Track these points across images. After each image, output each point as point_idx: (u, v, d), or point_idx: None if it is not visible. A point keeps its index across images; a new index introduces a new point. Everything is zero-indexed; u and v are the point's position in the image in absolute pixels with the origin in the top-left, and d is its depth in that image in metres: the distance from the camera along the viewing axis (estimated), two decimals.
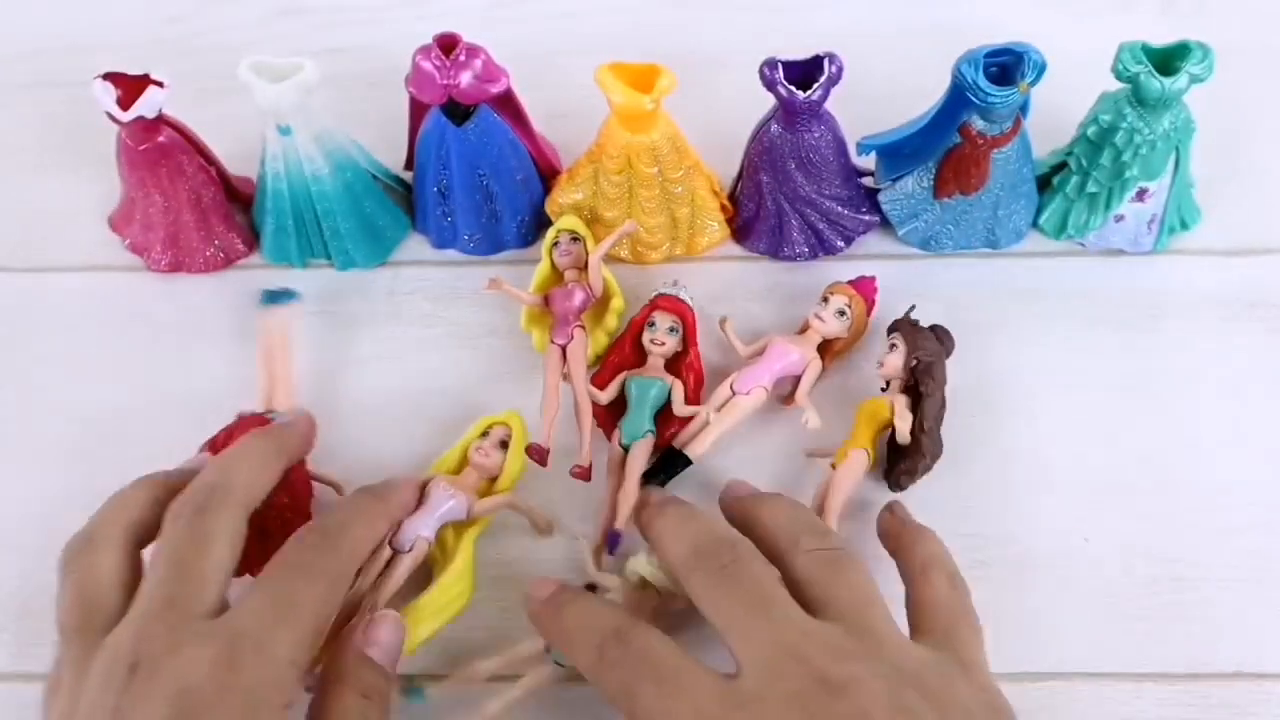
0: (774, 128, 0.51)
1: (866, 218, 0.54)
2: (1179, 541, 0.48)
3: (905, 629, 0.40)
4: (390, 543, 0.45)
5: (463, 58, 0.49)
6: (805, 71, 0.48)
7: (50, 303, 0.56)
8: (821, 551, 0.40)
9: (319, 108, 0.51)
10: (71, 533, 0.41)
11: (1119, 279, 0.54)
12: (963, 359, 0.51)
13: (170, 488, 0.41)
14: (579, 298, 0.51)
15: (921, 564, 0.41)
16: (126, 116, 0.49)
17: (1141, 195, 0.52)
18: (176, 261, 0.55)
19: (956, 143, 0.50)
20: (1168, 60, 0.48)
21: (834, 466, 0.47)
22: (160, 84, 0.49)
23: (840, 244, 0.55)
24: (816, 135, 0.50)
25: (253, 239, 0.56)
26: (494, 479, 0.48)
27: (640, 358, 0.51)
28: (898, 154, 0.53)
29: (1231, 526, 0.48)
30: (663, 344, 0.50)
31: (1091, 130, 0.51)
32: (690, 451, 0.49)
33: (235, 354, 0.54)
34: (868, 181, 0.55)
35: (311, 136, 0.51)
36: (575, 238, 0.52)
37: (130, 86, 0.49)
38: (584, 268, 0.52)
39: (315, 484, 0.48)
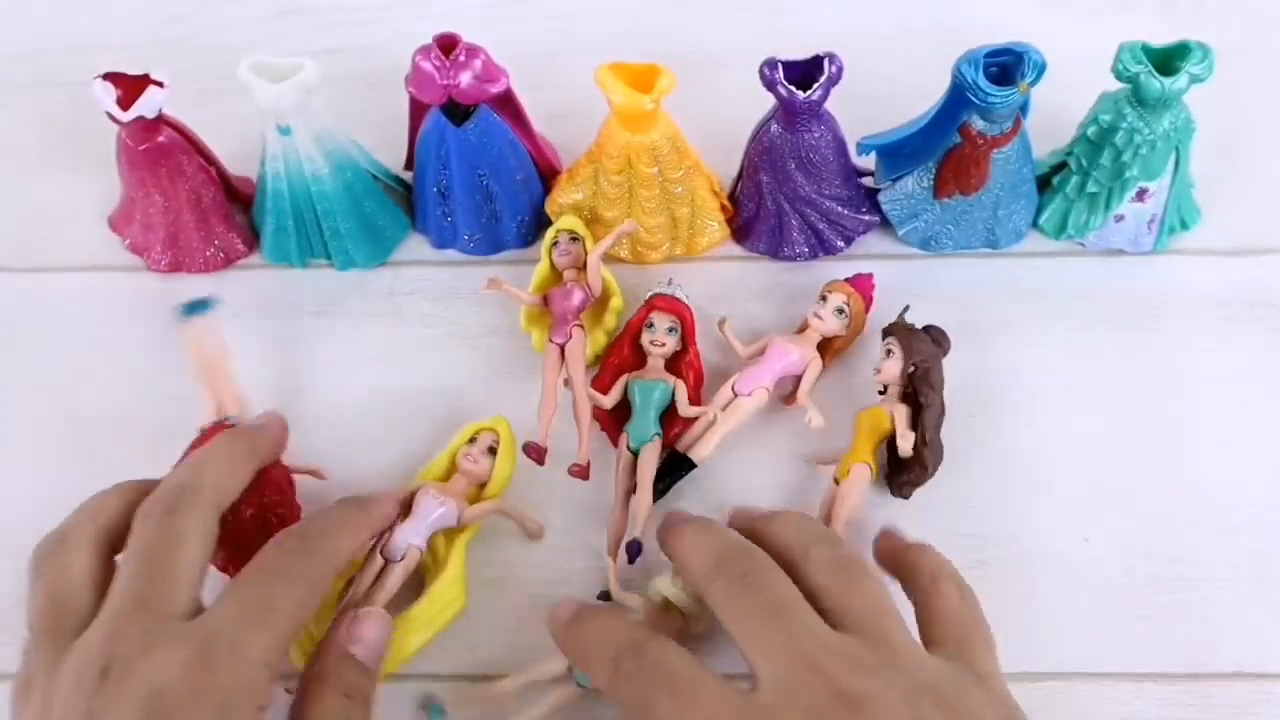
0: (774, 128, 0.51)
1: (866, 218, 0.54)
2: (1179, 541, 0.48)
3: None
4: (382, 552, 0.45)
5: (463, 58, 0.49)
6: (805, 71, 0.48)
7: (50, 303, 0.56)
8: (834, 560, 0.40)
9: (319, 108, 0.51)
10: None
11: (1119, 279, 0.54)
12: (963, 359, 0.51)
13: (144, 492, 0.41)
14: (578, 297, 0.51)
15: (930, 576, 0.41)
16: (126, 116, 0.49)
17: (1141, 195, 0.52)
18: (176, 261, 0.55)
19: (956, 143, 0.50)
20: (1168, 60, 0.48)
21: (837, 481, 0.47)
22: (160, 84, 0.49)
23: (840, 244, 0.55)
24: (816, 135, 0.50)
25: (253, 239, 0.56)
26: (483, 485, 0.48)
27: (639, 359, 0.51)
28: (898, 154, 0.53)
29: (1231, 526, 0.48)
30: (662, 345, 0.50)
31: (1091, 130, 0.51)
32: (694, 454, 0.49)
33: (235, 354, 0.54)
34: (868, 181, 0.55)
35: (311, 136, 0.51)
36: (575, 238, 0.52)
37: (130, 86, 0.49)
38: (583, 267, 0.52)
39: (307, 482, 0.48)
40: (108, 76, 0.49)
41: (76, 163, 0.59)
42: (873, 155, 0.54)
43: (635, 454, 0.48)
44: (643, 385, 0.49)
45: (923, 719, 0.34)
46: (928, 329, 0.49)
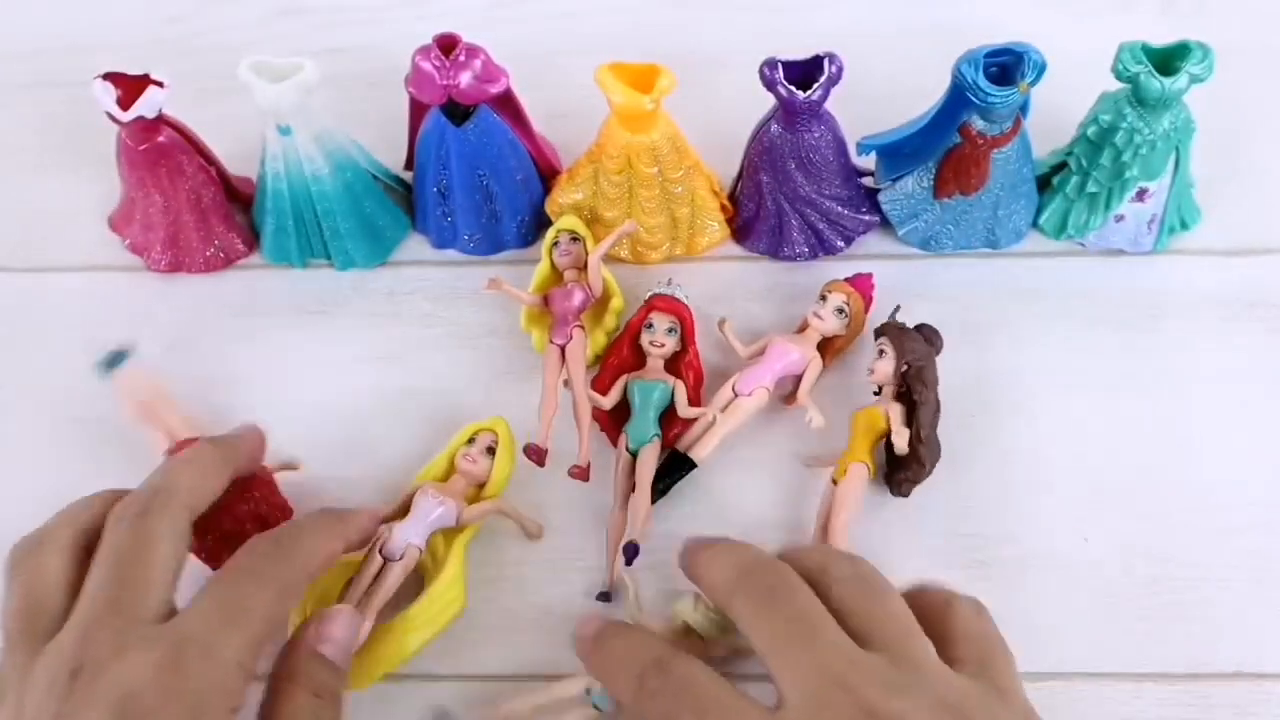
0: (774, 128, 0.51)
1: (866, 218, 0.54)
2: (1179, 541, 0.48)
3: None
4: (381, 551, 0.45)
5: (462, 58, 0.49)
6: (805, 71, 0.48)
7: (50, 303, 0.56)
8: (858, 578, 0.39)
9: (319, 108, 0.51)
10: None
11: (1119, 279, 0.54)
12: (963, 359, 0.51)
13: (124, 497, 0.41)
14: (578, 298, 0.51)
15: (944, 599, 0.40)
16: (126, 116, 0.49)
17: (1141, 195, 0.52)
18: (176, 261, 0.55)
19: (956, 143, 0.50)
20: (1168, 60, 0.48)
21: (835, 482, 0.47)
22: (160, 84, 0.49)
23: (840, 244, 0.55)
24: (816, 135, 0.50)
25: (253, 239, 0.56)
26: (482, 485, 0.48)
27: (639, 359, 0.50)
28: (898, 154, 0.53)
29: (1231, 526, 0.48)
30: (662, 345, 0.50)
31: (1091, 130, 0.51)
32: (694, 455, 0.49)
33: (235, 354, 0.54)
34: (868, 181, 0.55)
35: (311, 136, 0.51)
36: (575, 238, 0.52)
37: (130, 86, 0.49)
38: (583, 268, 0.52)
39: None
40: (108, 76, 0.49)
41: (76, 163, 0.59)
42: (873, 155, 0.54)
43: (634, 455, 0.48)
44: (642, 386, 0.49)
45: None
46: (919, 327, 0.49)
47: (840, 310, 0.51)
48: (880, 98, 0.53)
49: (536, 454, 0.47)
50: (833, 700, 0.35)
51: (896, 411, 0.47)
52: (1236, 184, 0.56)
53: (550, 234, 0.52)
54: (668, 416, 0.49)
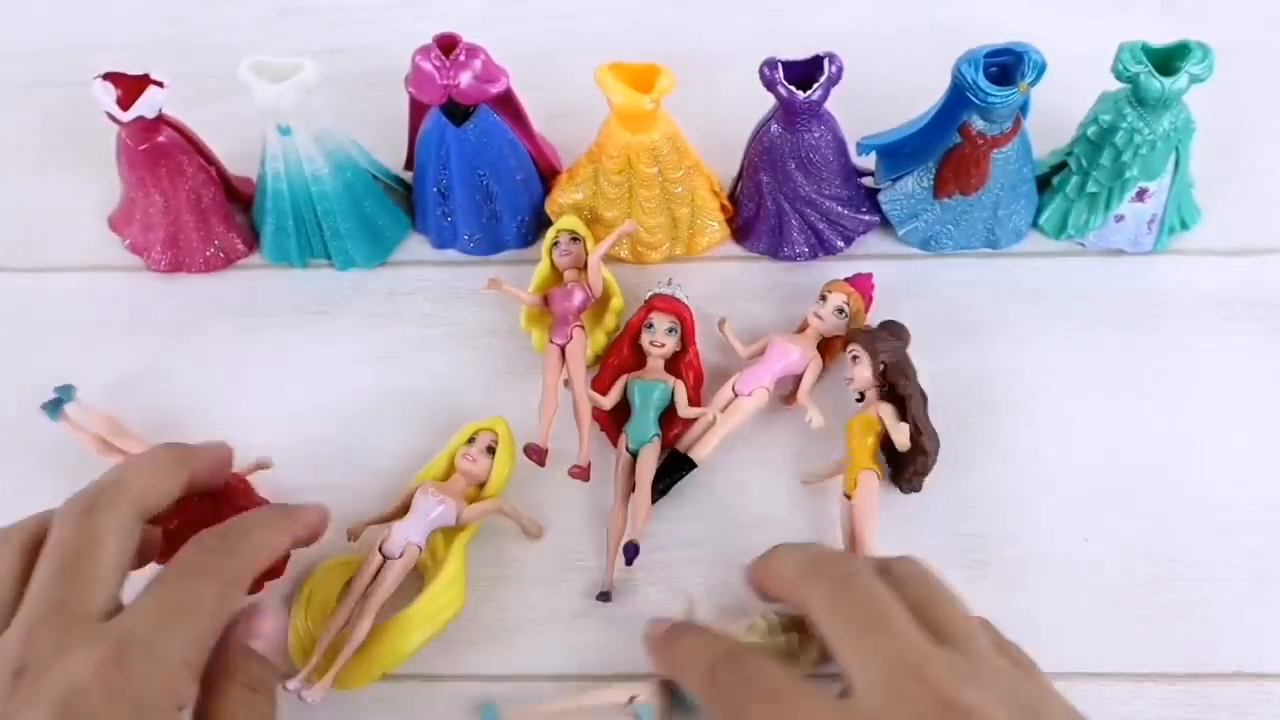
0: (774, 128, 0.51)
1: (866, 218, 0.54)
2: (1179, 541, 0.48)
3: None
4: (380, 549, 0.45)
5: (462, 58, 0.49)
6: (805, 71, 0.48)
7: (50, 303, 0.56)
8: (921, 576, 0.39)
9: (319, 108, 0.51)
10: None
11: (1119, 279, 0.54)
12: (963, 359, 0.51)
13: None
14: (578, 298, 0.51)
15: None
16: (126, 116, 0.49)
17: (1141, 195, 0.52)
18: (176, 261, 0.55)
19: (956, 143, 0.50)
20: (1168, 60, 0.48)
21: (848, 496, 0.47)
22: (160, 84, 0.49)
23: (840, 244, 0.55)
24: (816, 135, 0.50)
25: (253, 239, 0.56)
26: (482, 485, 0.48)
27: (639, 359, 0.50)
28: (898, 154, 0.53)
29: (1231, 526, 0.48)
30: (662, 345, 0.50)
31: (1091, 130, 0.51)
32: (694, 454, 0.49)
33: (235, 354, 0.54)
34: (868, 181, 0.55)
35: (311, 136, 0.51)
36: (575, 238, 0.52)
37: (130, 86, 0.49)
38: (584, 268, 0.52)
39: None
40: (108, 76, 0.49)
41: (76, 163, 0.59)
42: (873, 155, 0.54)
43: (634, 455, 0.48)
44: (642, 386, 0.49)
45: None
46: (883, 325, 0.49)
47: (840, 310, 0.51)
48: (880, 98, 0.53)
49: (537, 454, 0.47)
50: (907, 690, 0.35)
51: (888, 411, 0.47)
52: (1236, 184, 0.56)
53: (550, 234, 0.52)
54: (668, 416, 0.49)
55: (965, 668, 0.36)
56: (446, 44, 0.49)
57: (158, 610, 0.37)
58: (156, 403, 0.52)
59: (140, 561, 0.41)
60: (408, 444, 0.51)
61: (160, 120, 0.50)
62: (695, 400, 0.50)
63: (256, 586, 0.46)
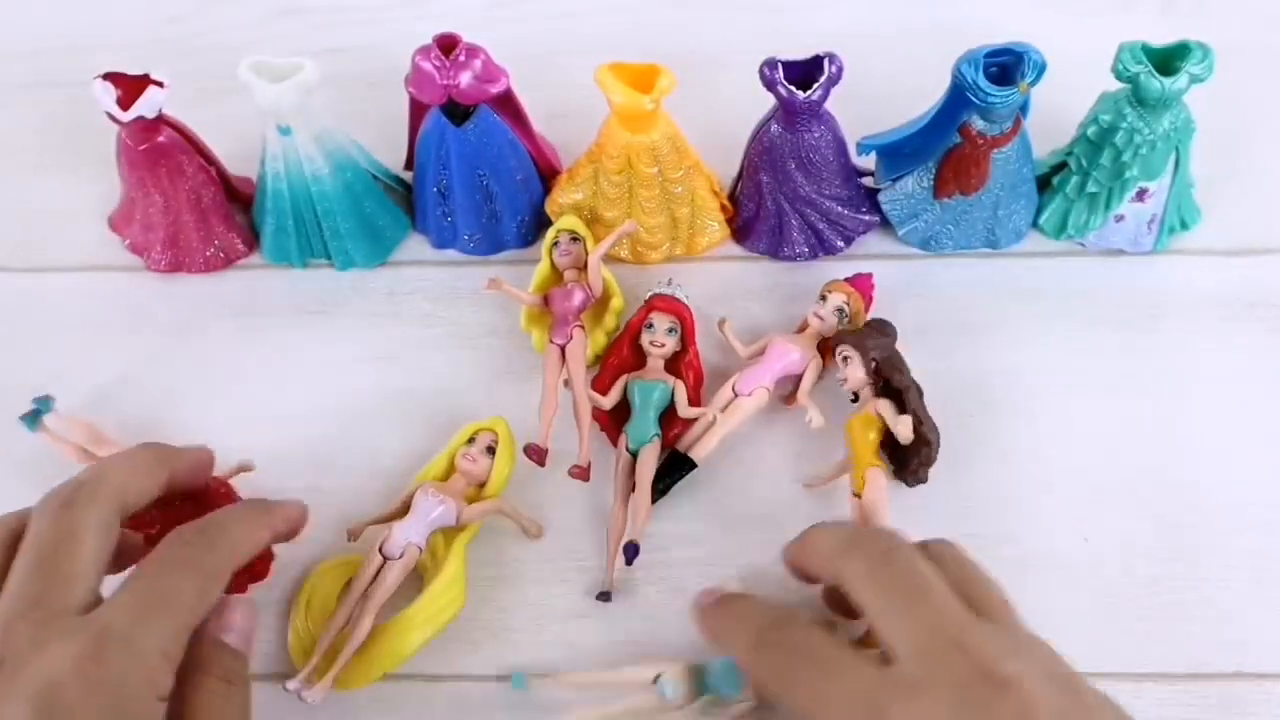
0: (774, 128, 0.51)
1: (866, 218, 0.54)
2: (1179, 541, 0.48)
3: None
4: (380, 549, 0.45)
5: (462, 58, 0.49)
6: (805, 71, 0.48)
7: (50, 303, 0.56)
8: (958, 556, 0.40)
9: (319, 108, 0.51)
10: None
11: (1119, 279, 0.54)
12: (963, 359, 0.51)
13: None
14: (578, 298, 0.51)
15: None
16: (126, 116, 0.49)
17: (1141, 195, 0.52)
18: (176, 261, 0.55)
19: (956, 143, 0.50)
20: (1168, 60, 0.48)
21: (857, 495, 0.47)
22: (160, 84, 0.49)
23: (840, 244, 0.55)
24: (816, 135, 0.50)
25: (253, 239, 0.56)
26: (482, 485, 0.48)
27: (639, 359, 0.50)
28: (898, 154, 0.53)
29: (1231, 526, 0.48)
30: (662, 345, 0.50)
31: (1091, 130, 0.51)
32: (694, 454, 0.49)
33: (235, 354, 0.54)
34: (868, 181, 0.55)
35: (311, 136, 0.51)
36: (575, 238, 0.52)
37: (130, 86, 0.49)
38: (584, 268, 0.52)
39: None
40: (108, 76, 0.49)
41: (76, 163, 0.59)
42: (873, 155, 0.54)
43: (634, 455, 0.48)
44: (642, 386, 0.49)
45: (1063, 707, 0.35)
46: (869, 324, 0.49)
47: (840, 310, 0.51)
48: (880, 98, 0.53)
49: (537, 454, 0.47)
50: (948, 658, 0.35)
51: (886, 406, 0.47)
52: (1236, 184, 0.56)
53: (550, 234, 0.52)
54: (668, 416, 0.49)
55: (1005, 640, 0.36)
56: (446, 44, 0.49)
57: (136, 604, 0.37)
58: (156, 403, 0.52)
59: (120, 566, 0.41)
60: (408, 444, 0.51)
61: (160, 120, 0.50)
62: (695, 400, 0.50)
63: (241, 588, 0.46)
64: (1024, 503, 0.49)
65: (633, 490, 0.48)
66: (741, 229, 0.55)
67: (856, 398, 0.49)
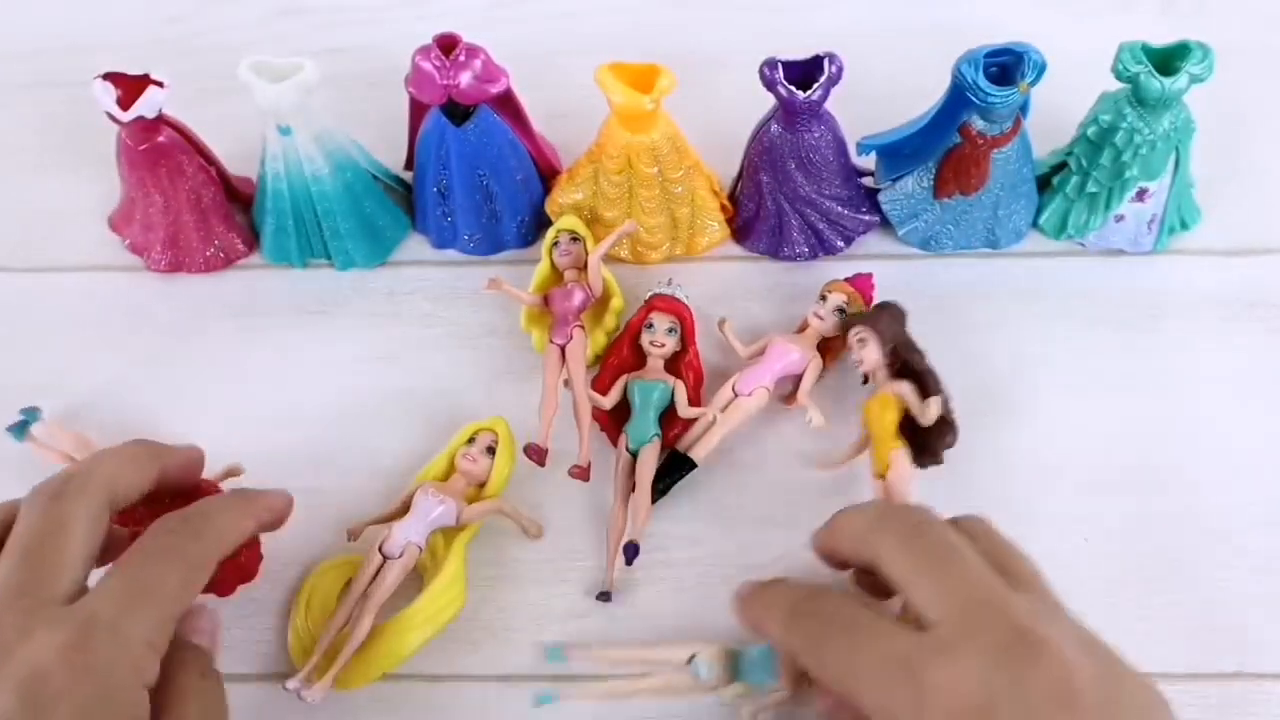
0: (774, 128, 0.51)
1: (866, 218, 0.54)
2: (1179, 541, 0.48)
3: None
4: (380, 549, 0.45)
5: (462, 58, 0.49)
6: (805, 71, 0.48)
7: (50, 303, 0.56)
8: (988, 530, 0.40)
9: (319, 108, 0.51)
10: None
11: (1119, 279, 0.54)
12: (963, 359, 0.51)
13: None
14: (578, 298, 0.51)
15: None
16: (126, 116, 0.49)
17: (1141, 195, 0.52)
18: (176, 261, 0.55)
19: (956, 143, 0.50)
20: (1168, 60, 0.48)
21: (881, 477, 0.46)
22: (160, 84, 0.49)
23: (840, 244, 0.55)
24: (816, 135, 0.50)
25: (253, 239, 0.56)
26: (482, 485, 0.48)
27: (639, 359, 0.50)
28: (898, 154, 0.53)
29: (1231, 526, 0.48)
30: (662, 345, 0.50)
31: (1091, 130, 0.51)
32: (694, 455, 0.49)
33: (235, 354, 0.54)
34: (868, 181, 0.55)
35: (311, 136, 0.51)
36: (575, 238, 0.52)
37: (130, 86, 0.49)
38: (584, 268, 0.52)
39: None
40: (108, 76, 0.49)
41: (76, 163, 0.59)
42: (873, 155, 0.54)
43: (634, 455, 0.48)
44: (642, 386, 0.49)
45: (1098, 672, 0.35)
46: (880, 307, 0.49)
47: (840, 310, 0.51)
48: (880, 98, 0.53)
49: (537, 454, 0.47)
50: (985, 620, 0.35)
51: (908, 389, 0.47)
52: (1236, 184, 0.56)
53: (550, 234, 0.52)
54: (668, 416, 0.49)
55: (1038, 606, 0.37)
56: (446, 44, 0.49)
57: (122, 593, 0.37)
58: (156, 403, 0.52)
59: (107, 560, 0.41)
60: (408, 444, 0.51)
61: (160, 120, 0.50)
62: (695, 400, 0.50)
63: (229, 588, 0.46)
64: (1023, 503, 0.48)
65: (633, 490, 0.48)
66: (741, 229, 0.55)
67: (866, 380, 0.49)
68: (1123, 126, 0.50)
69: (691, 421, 0.49)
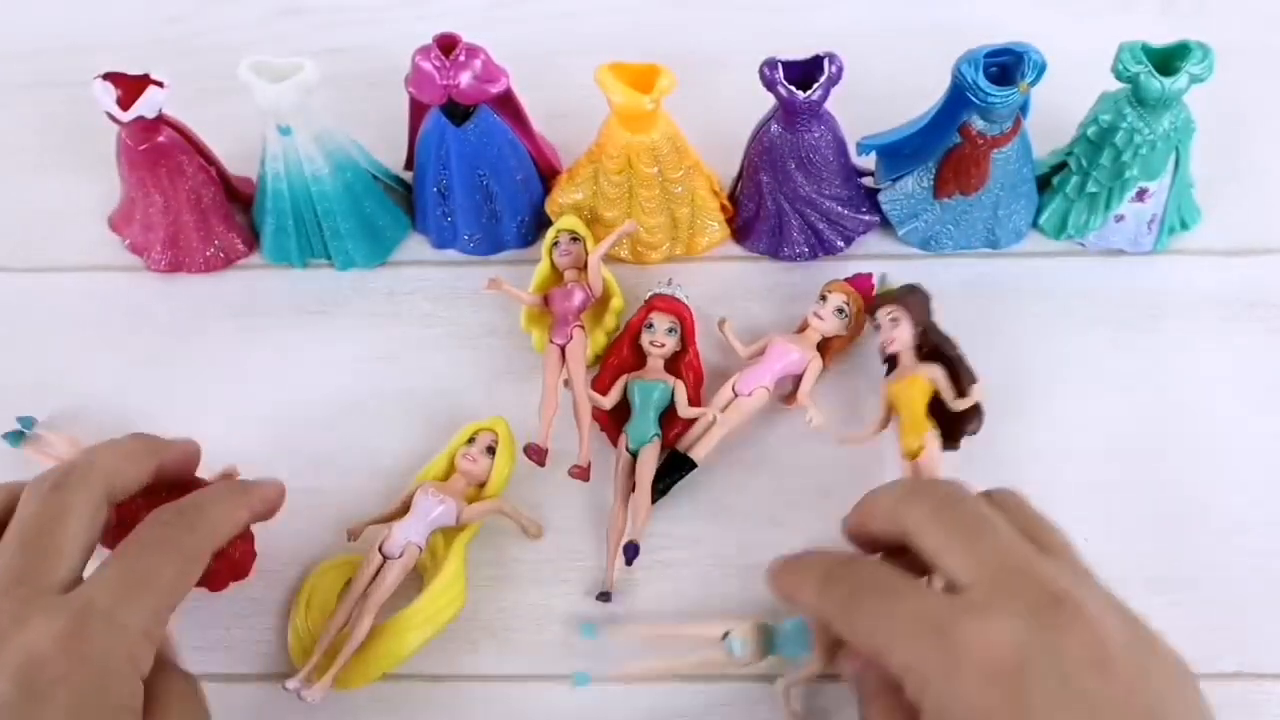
0: (774, 128, 0.51)
1: (866, 218, 0.54)
2: (1179, 541, 0.48)
3: None
4: (380, 549, 0.45)
5: (462, 58, 0.49)
6: (805, 71, 0.48)
7: (50, 303, 0.56)
8: (1021, 503, 0.40)
9: (319, 108, 0.51)
10: None
11: (1119, 279, 0.54)
12: None
13: None
14: (578, 298, 0.51)
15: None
16: (126, 116, 0.49)
17: (1141, 195, 0.52)
18: (176, 261, 0.55)
19: (956, 143, 0.50)
20: (1168, 60, 0.48)
21: (913, 457, 0.46)
22: (160, 84, 0.49)
23: (840, 244, 0.55)
24: (816, 135, 0.50)
25: (253, 239, 0.56)
26: (482, 485, 0.48)
27: (639, 359, 0.50)
28: (898, 154, 0.53)
29: (1231, 526, 0.48)
30: (662, 345, 0.50)
31: (1091, 130, 0.51)
32: (694, 455, 0.49)
33: (235, 354, 0.54)
34: (868, 181, 0.55)
35: (311, 136, 0.51)
36: (575, 238, 0.52)
37: (130, 86, 0.49)
38: (584, 268, 0.52)
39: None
40: (108, 76, 0.49)
41: (76, 163, 0.59)
42: (873, 155, 0.54)
43: (634, 455, 0.48)
44: (642, 386, 0.49)
45: (1129, 636, 0.35)
46: (908, 289, 0.49)
47: (840, 310, 0.51)
48: (880, 98, 0.53)
49: (537, 454, 0.47)
50: (1018, 584, 0.35)
51: (940, 372, 0.47)
52: (1236, 184, 0.56)
53: (550, 234, 0.52)
54: (668, 416, 0.49)
55: (1070, 572, 0.37)
56: (446, 44, 0.49)
57: (118, 582, 0.37)
58: (156, 402, 0.52)
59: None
60: (408, 444, 0.51)
61: (160, 120, 0.50)
62: (695, 400, 0.50)
63: (221, 584, 0.46)
64: None
65: (633, 490, 0.48)
66: (741, 229, 0.55)
67: (889, 363, 0.49)
68: (1123, 126, 0.50)
69: (691, 421, 0.49)
